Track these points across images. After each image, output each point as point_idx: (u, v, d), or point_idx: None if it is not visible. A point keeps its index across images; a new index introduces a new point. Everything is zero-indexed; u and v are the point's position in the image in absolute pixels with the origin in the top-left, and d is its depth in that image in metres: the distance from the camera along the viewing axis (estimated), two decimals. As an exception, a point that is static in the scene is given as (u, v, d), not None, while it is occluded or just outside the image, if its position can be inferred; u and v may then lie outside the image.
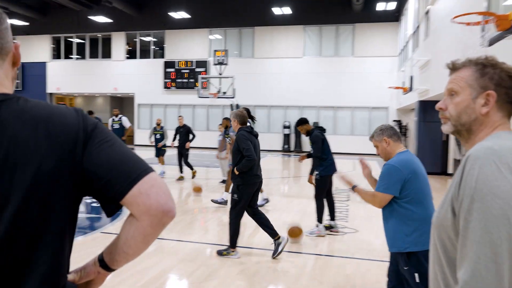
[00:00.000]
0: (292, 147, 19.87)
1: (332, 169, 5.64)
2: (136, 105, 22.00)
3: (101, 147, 0.95)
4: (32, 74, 23.36)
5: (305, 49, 19.85)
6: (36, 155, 0.88)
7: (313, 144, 5.57)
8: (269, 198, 7.73)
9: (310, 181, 5.70)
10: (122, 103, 26.51)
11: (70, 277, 1.01)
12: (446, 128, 1.21)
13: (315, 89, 19.50)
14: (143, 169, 0.94)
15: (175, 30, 21.02)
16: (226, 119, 9.27)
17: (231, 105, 18.80)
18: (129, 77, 21.87)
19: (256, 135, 4.82)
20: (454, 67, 1.22)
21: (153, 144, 11.30)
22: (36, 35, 23.19)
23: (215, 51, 17.32)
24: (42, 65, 23.23)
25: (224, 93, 17.21)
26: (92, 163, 0.93)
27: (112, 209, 0.97)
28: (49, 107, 0.96)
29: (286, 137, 19.90)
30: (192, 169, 10.70)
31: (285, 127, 19.87)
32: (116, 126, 10.98)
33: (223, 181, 9.52)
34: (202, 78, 17.34)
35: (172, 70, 21.13)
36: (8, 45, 1.00)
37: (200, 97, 16.84)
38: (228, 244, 4.71)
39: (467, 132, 1.18)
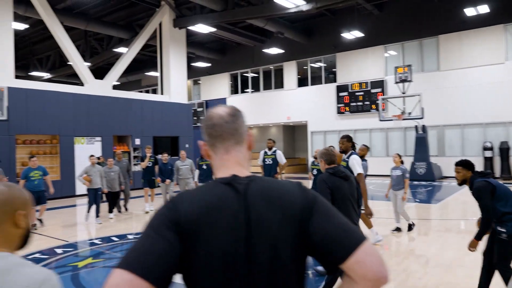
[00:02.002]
0: (498, 173, 16.27)
1: None
2: (309, 132, 21.56)
3: (322, 219, 1.13)
4: (214, 110, 25.32)
5: (508, 52, 16.32)
6: (274, 227, 1.10)
7: (477, 201, 3.79)
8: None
9: (473, 245, 3.84)
10: (294, 132, 26.60)
11: None
12: None
13: (525, 99, 15.73)
14: (358, 239, 1.08)
15: (346, 52, 20.01)
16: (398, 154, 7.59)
17: (416, 127, 16.56)
18: (301, 105, 21.65)
19: (343, 177, 3.91)
20: None
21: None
22: (216, 74, 25.25)
23: (396, 67, 15.58)
24: (222, 101, 25.03)
25: (409, 113, 15.21)
26: (316, 233, 1.11)
27: (332, 269, 1.12)
28: (278, 185, 1.18)
29: (488, 160, 16.43)
30: None
31: (485, 148, 16.47)
32: (269, 161, 8.90)
33: (397, 229, 7.40)
34: (383, 99, 15.65)
35: (345, 94, 20.04)
36: (244, 134, 1.27)
37: (381, 120, 15.19)
38: None
39: None
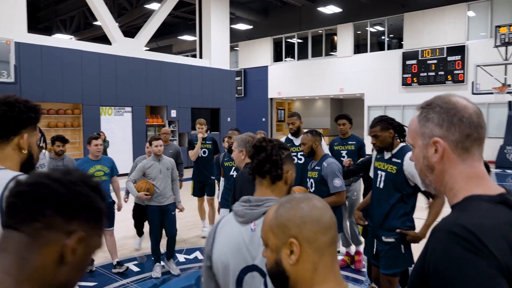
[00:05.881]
0: None
1: None
2: (366, 107, 18.66)
3: None
4: (254, 80, 22.64)
5: None
6: None
7: None
8: None
9: None
10: (342, 105, 23.69)
11: None
12: None
13: None
14: None
15: (417, 11, 16.77)
16: None
17: (510, 103, 13.49)
18: (357, 75, 18.68)
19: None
20: None
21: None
22: (257, 38, 22.37)
23: (497, 27, 12.39)
24: (263, 70, 22.25)
25: (509, 85, 12.18)
26: None
27: None
28: None
29: None
30: None
31: None
32: (301, 159, 4.56)
33: None
34: (478, 66, 12.55)
35: (413, 62, 16.92)
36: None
37: (475, 93, 12.20)
38: None
39: None
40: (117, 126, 11.99)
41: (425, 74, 16.64)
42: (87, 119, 11.45)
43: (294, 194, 1.09)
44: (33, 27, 20.71)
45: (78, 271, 0.81)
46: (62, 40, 11.92)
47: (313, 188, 3.69)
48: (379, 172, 3.26)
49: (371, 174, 3.53)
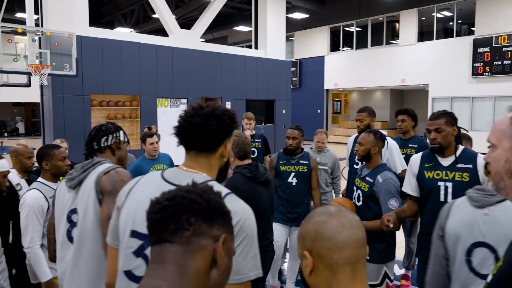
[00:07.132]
0: None
1: None
2: (430, 99, 17.47)
3: None
4: (310, 70, 22.05)
5: None
6: None
7: None
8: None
9: None
10: (403, 97, 22.45)
11: None
12: None
13: None
14: None
15: (491, -6, 15.34)
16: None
17: None
18: (421, 65, 17.51)
19: (264, 182, 2.54)
20: None
21: None
22: (313, 28, 21.69)
23: None
24: (319, 60, 21.58)
25: None
26: None
27: None
28: None
29: None
30: None
31: None
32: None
33: None
34: None
35: (486, 49, 15.51)
36: None
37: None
38: None
39: None
40: (173, 117, 12.05)
41: (499, 62, 15.20)
42: (144, 111, 11.61)
43: (328, 206, 1.07)
44: (97, 21, 21.56)
45: (226, 274, 0.89)
46: (121, 33, 12.15)
47: (360, 202, 3.01)
48: (440, 183, 2.63)
49: (407, 188, 2.80)
